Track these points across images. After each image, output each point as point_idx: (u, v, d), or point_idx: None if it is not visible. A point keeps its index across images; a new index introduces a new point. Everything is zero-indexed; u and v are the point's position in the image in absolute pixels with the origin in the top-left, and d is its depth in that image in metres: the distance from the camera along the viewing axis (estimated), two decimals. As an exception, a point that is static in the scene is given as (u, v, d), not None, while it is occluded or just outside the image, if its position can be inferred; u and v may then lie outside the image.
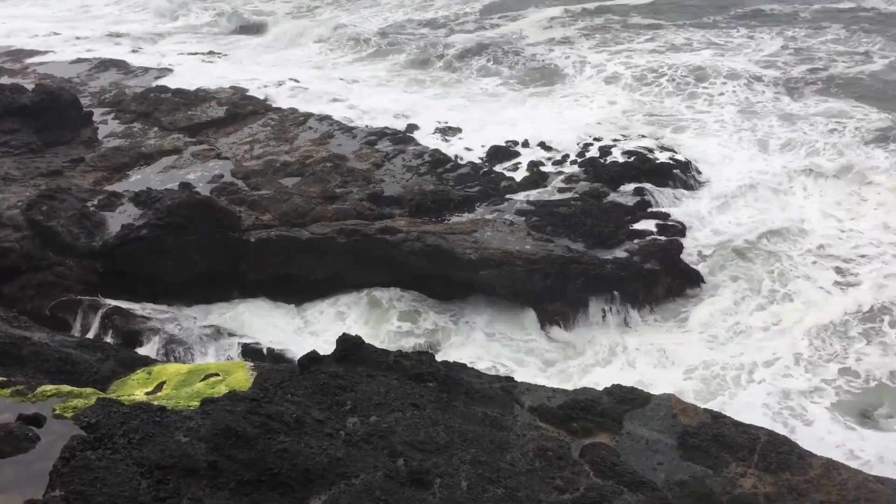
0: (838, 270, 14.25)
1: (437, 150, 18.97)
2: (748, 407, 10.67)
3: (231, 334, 12.54)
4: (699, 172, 17.94)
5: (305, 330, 13.47)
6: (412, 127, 20.97)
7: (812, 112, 21.05)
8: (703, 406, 10.90)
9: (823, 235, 15.38)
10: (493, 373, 9.23)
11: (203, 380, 6.30)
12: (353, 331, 9.79)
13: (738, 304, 13.54)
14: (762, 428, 5.74)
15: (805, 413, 10.73)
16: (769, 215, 16.13)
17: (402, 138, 19.65)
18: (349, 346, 6.18)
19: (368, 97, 23.89)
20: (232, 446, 4.80)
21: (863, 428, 10.43)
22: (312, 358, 6.12)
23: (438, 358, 6.43)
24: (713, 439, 5.43)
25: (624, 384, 6.40)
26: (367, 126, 20.51)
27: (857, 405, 10.86)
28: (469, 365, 6.73)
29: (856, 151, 18.55)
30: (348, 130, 20.09)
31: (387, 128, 20.38)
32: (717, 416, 5.70)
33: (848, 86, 22.63)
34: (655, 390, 11.11)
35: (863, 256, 14.62)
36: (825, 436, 10.10)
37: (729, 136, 20.29)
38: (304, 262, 14.22)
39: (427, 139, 20.05)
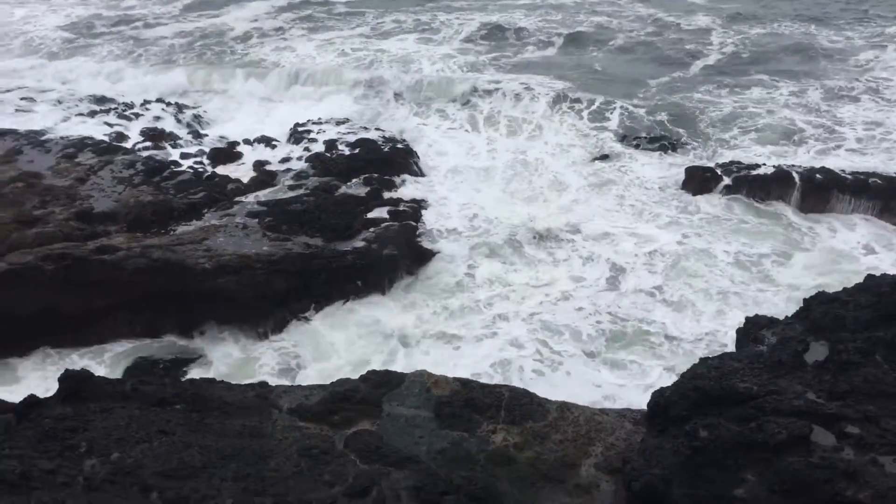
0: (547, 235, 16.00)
1: (150, 158, 17.61)
2: (514, 345, 12.36)
3: None
4: (419, 157, 18.90)
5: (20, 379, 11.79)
6: (120, 136, 19.18)
7: (509, 88, 23.16)
8: (482, 352, 12.08)
9: (540, 201, 17.13)
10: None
11: None
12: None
13: (480, 270, 14.58)
14: (505, 385, 6.26)
15: (557, 353, 12.22)
16: (481, 185, 17.61)
17: (108, 148, 17.90)
18: (75, 382, 5.49)
19: (62, 104, 21.32)
20: (-63, 526, 4.02)
21: (603, 366, 12.11)
22: (31, 403, 5.32)
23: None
24: (465, 404, 5.78)
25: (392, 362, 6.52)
26: (63, 137, 18.32)
27: (597, 345, 12.52)
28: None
29: (548, 120, 20.95)
30: (40, 144, 17.79)
31: (88, 137, 18.39)
32: (465, 383, 6.07)
33: (534, 66, 25.34)
34: (437, 340, 12.42)
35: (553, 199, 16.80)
36: (572, 371, 11.79)
37: (441, 117, 21.67)
38: (6, 298, 12.33)
39: (137, 147, 18.49)
